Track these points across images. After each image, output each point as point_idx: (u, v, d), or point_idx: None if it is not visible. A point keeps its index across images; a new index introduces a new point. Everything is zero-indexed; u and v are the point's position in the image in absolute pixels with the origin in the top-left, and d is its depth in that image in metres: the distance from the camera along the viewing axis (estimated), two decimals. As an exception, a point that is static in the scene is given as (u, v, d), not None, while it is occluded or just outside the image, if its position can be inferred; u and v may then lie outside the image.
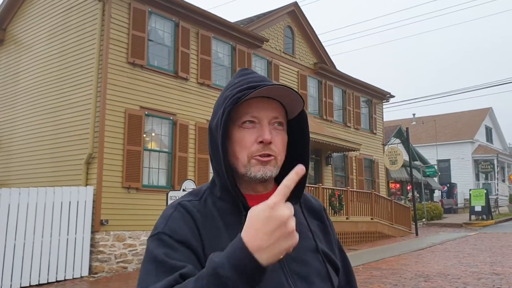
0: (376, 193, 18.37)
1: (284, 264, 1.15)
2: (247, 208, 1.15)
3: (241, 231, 1.12)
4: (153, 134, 12.22)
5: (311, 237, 1.24)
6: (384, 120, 23.06)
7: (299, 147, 1.29)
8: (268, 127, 1.21)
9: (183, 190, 8.69)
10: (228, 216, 1.18)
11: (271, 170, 1.20)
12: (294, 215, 1.23)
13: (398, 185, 29.60)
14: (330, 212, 15.02)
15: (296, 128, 1.30)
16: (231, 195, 1.19)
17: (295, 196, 1.23)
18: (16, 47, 14.34)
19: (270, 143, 1.19)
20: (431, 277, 9.04)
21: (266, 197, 1.22)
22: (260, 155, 1.19)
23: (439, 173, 34.57)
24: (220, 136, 1.17)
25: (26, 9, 14.28)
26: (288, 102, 1.24)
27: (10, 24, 14.75)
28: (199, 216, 1.17)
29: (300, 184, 1.22)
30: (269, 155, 1.19)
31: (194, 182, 8.68)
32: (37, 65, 13.27)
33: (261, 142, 1.19)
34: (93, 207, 10.52)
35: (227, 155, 1.20)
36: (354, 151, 18.35)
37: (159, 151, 12.18)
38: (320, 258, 1.22)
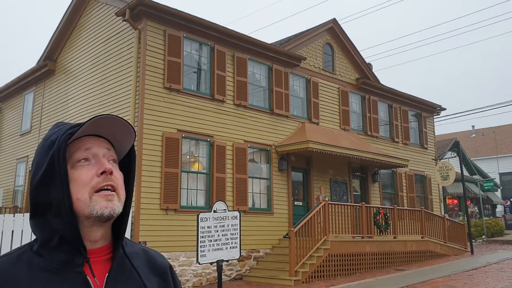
0: (427, 210, 17.64)
1: None
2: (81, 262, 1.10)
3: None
4: (188, 156, 12.41)
5: None
6: (441, 133, 22.18)
7: (126, 186, 1.22)
8: (105, 159, 1.16)
9: (214, 211, 8.68)
10: (43, 273, 1.08)
11: (118, 206, 1.13)
12: (120, 272, 1.16)
13: (455, 201, 28.33)
14: (376, 231, 14.57)
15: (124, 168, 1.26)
16: (51, 249, 1.10)
17: (115, 249, 1.18)
18: (65, 76, 15.17)
19: (111, 173, 1.14)
20: (474, 301, 8.53)
21: (99, 252, 1.15)
22: (102, 188, 1.12)
23: (501, 187, 32.73)
24: (63, 176, 1.09)
25: (73, 41, 15.11)
26: (119, 139, 1.21)
27: (60, 55, 15.65)
28: None
29: (118, 241, 1.19)
30: (112, 187, 1.14)
31: (225, 203, 8.67)
32: (83, 93, 13.94)
33: (102, 173, 1.13)
34: (131, 229, 10.78)
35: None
36: (401, 167, 17.76)
37: (197, 173, 12.36)
38: None
